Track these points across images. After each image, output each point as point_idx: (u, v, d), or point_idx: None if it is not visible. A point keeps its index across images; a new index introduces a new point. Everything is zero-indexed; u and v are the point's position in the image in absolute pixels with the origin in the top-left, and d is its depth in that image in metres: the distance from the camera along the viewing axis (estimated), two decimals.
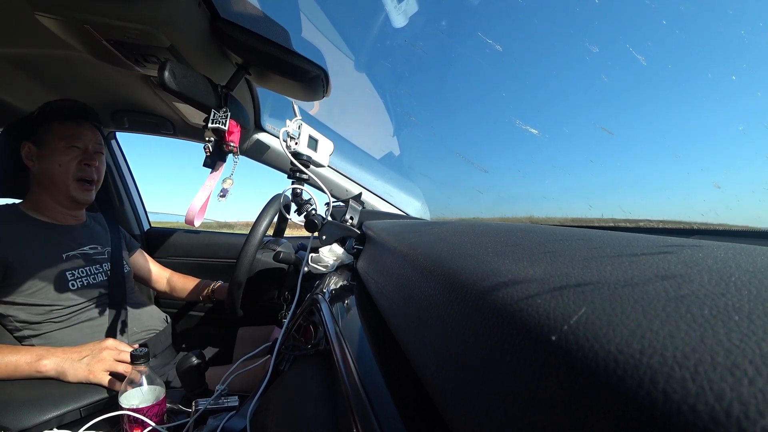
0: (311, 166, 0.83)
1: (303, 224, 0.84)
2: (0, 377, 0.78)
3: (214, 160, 0.79)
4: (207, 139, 0.77)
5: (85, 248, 1.00)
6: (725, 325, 0.13)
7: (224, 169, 0.79)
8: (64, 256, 0.94)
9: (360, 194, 1.08)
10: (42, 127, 0.96)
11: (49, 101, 0.99)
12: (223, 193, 0.76)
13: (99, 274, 1.00)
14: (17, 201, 1.01)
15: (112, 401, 0.79)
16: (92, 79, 1.12)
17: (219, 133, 0.76)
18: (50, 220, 0.98)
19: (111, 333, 0.96)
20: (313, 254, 0.80)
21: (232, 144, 0.77)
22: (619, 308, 0.15)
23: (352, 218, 0.88)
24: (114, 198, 1.55)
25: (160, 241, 1.60)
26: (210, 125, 0.74)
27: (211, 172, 0.78)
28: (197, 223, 0.75)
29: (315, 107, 1.34)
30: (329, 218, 0.85)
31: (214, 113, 0.75)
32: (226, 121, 0.75)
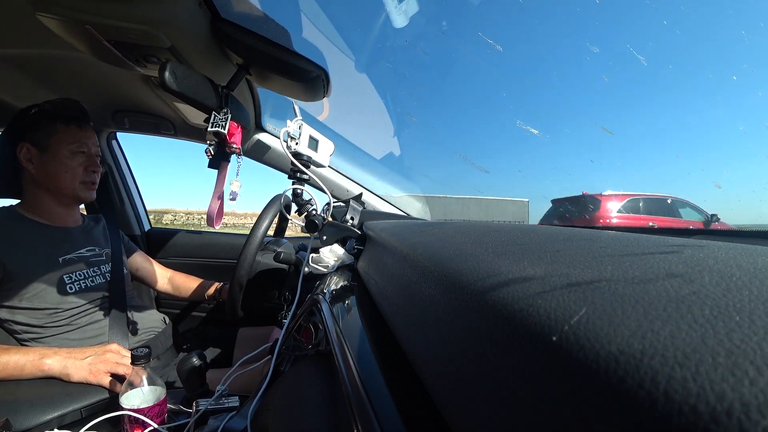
0: (312, 167, 0.83)
1: (303, 225, 0.84)
2: (3, 377, 0.78)
3: (218, 162, 0.80)
4: (209, 142, 0.77)
5: (82, 251, 0.99)
6: (726, 325, 0.13)
7: (229, 170, 0.81)
8: (60, 260, 0.93)
9: (360, 194, 1.08)
10: (44, 128, 0.93)
11: (47, 100, 0.97)
12: (233, 196, 0.79)
13: (97, 276, 1.00)
14: (14, 202, 1.00)
15: (112, 402, 0.79)
16: (92, 79, 1.12)
17: (220, 136, 0.76)
18: (47, 222, 0.97)
19: (112, 335, 0.96)
20: (314, 255, 0.80)
21: (234, 145, 0.77)
22: (620, 308, 0.15)
23: (352, 218, 0.88)
24: (114, 199, 1.55)
25: (160, 242, 1.60)
26: (210, 129, 0.75)
27: (218, 174, 0.80)
28: (217, 226, 0.83)
29: (324, 113, 1.34)
30: (330, 219, 0.85)
31: (214, 116, 0.75)
32: (226, 123, 0.75)
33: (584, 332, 0.15)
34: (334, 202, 0.88)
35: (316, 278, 0.83)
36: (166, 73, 0.66)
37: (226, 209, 0.88)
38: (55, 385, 0.79)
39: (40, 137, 0.93)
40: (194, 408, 0.61)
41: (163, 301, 1.55)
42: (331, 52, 1.04)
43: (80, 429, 0.67)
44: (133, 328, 1.01)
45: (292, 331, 0.66)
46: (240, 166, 0.81)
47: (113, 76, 1.09)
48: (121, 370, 0.81)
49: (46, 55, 0.95)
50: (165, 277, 1.28)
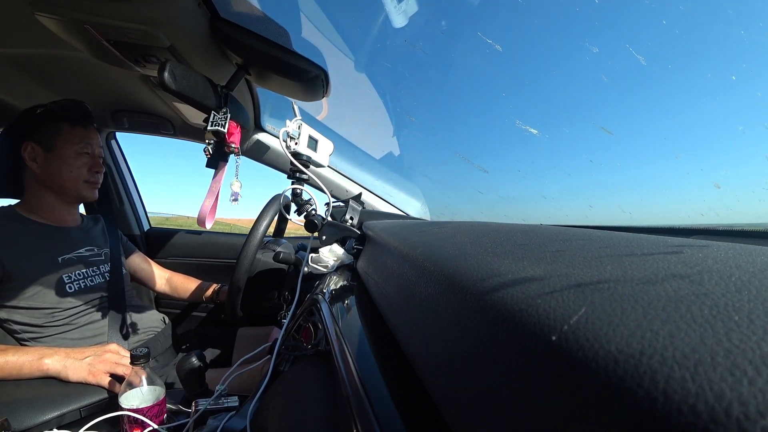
0: (311, 167, 0.83)
1: (303, 224, 0.84)
2: (2, 377, 0.77)
3: (216, 161, 0.79)
4: (207, 141, 0.77)
5: (81, 250, 1.00)
6: (725, 325, 0.13)
7: (227, 170, 0.80)
8: (60, 259, 0.93)
9: (360, 194, 1.08)
10: (49, 128, 0.94)
11: (54, 101, 0.97)
12: (235, 197, 0.78)
13: (97, 276, 1.00)
14: (13, 202, 1.00)
15: (112, 402, 0.79)
16: (92, 79, 1.12)
17: (219, 135, 0.76)
18: (46, 222, 0.97)
19: (111, 335, 0.96)
20: (313, 254, 0.80)
21: (233, 145, 0.77)
22: (619, 308, 0.15)
23: (352, 218, 0.88)
24: (114, 199, 1.55)
25: (160, 242, 1.60)
26: (209, 128, 0.75)
27: (214, 174, 0.79)
28: (209, 225, 0.79)
29: (323, 112, 1.34)
30: (329, 218, 0.85)
31: (214, 115, 0.75)
32: (225, 122, 0.75)
33: (583, 332, 0.15)
34: (333, 202, 0.88)
35: (315, 278, 0.83)
36: (166, 73, 0.66)
37: (217, 216, 0.88)
38: (54, 385, 0.79)
39: (45, 137, 0.94)
40: (193, 408, 0.61)
41: (163, 301, 1.55)
42: (330, 52, 1.04)
43: (79, 429, 0.67)
44: (132, 328, 1.01)
45: (292, 331, 0.66)
46: (239, 166, 0.81)
47: (113, 76, 1.09)
48: (120, 370, 0.81)
49: (45, 55, 0.95)
50: (163, 278, 1.28)
